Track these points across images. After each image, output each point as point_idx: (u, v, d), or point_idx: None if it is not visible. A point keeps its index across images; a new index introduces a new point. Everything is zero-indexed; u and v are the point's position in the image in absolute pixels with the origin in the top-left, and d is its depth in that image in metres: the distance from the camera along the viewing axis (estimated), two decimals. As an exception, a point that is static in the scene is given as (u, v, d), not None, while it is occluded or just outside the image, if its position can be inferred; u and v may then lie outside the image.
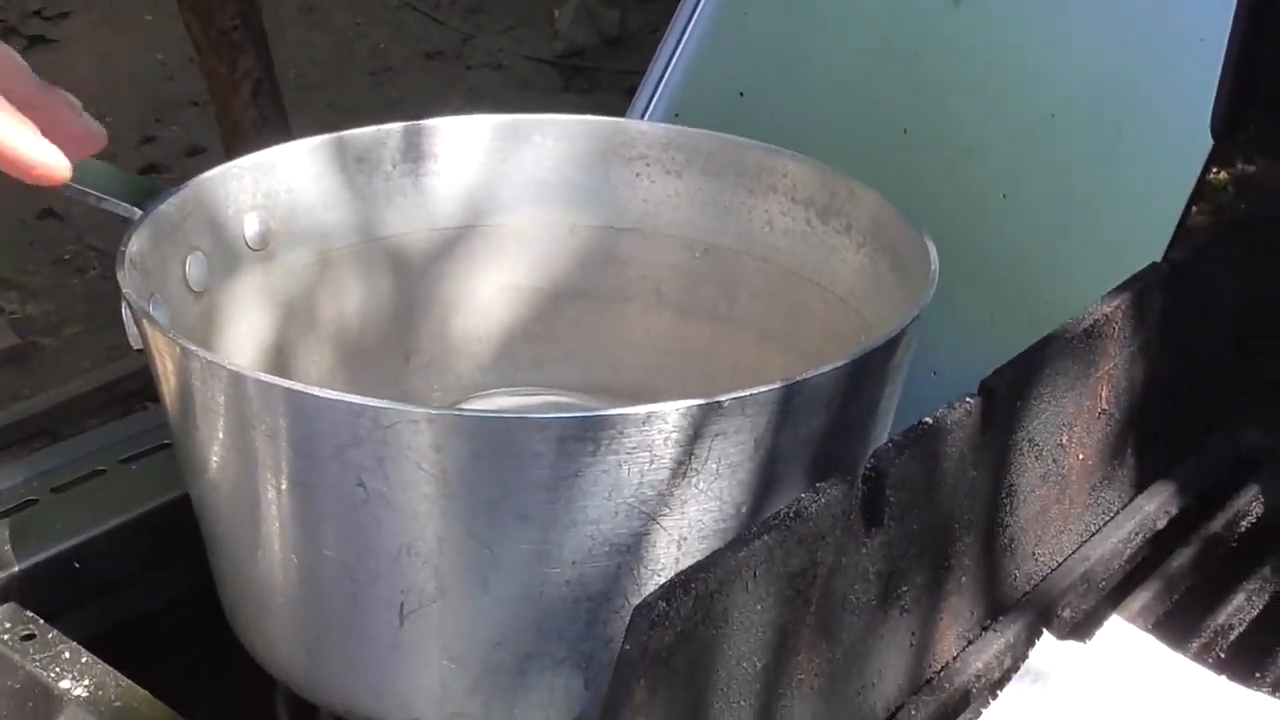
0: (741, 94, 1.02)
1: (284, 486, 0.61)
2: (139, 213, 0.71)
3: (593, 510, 0.58)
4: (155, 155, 3.05)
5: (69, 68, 3.38)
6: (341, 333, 0.84)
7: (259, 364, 0.78)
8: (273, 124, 2.20)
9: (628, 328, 0.87)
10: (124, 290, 0.65)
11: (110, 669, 0.68)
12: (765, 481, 0.60)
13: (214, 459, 0.64)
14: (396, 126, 0.84)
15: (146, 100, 3.22)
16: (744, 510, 0.60)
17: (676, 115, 1.02)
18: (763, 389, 0.59)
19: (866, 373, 0.63)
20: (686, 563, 0.58)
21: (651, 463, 0.57)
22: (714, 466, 0.58)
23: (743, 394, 0.58)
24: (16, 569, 0.72)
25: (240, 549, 0.66)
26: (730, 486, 0.59)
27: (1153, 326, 0.73)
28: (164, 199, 0.72)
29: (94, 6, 3.41)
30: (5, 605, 0.71)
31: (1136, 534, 0.74)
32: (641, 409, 0.58)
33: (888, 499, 0.58)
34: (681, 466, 0.58)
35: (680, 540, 0.60)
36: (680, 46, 1.03)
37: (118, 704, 0.66)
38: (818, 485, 0.55)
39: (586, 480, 0.57)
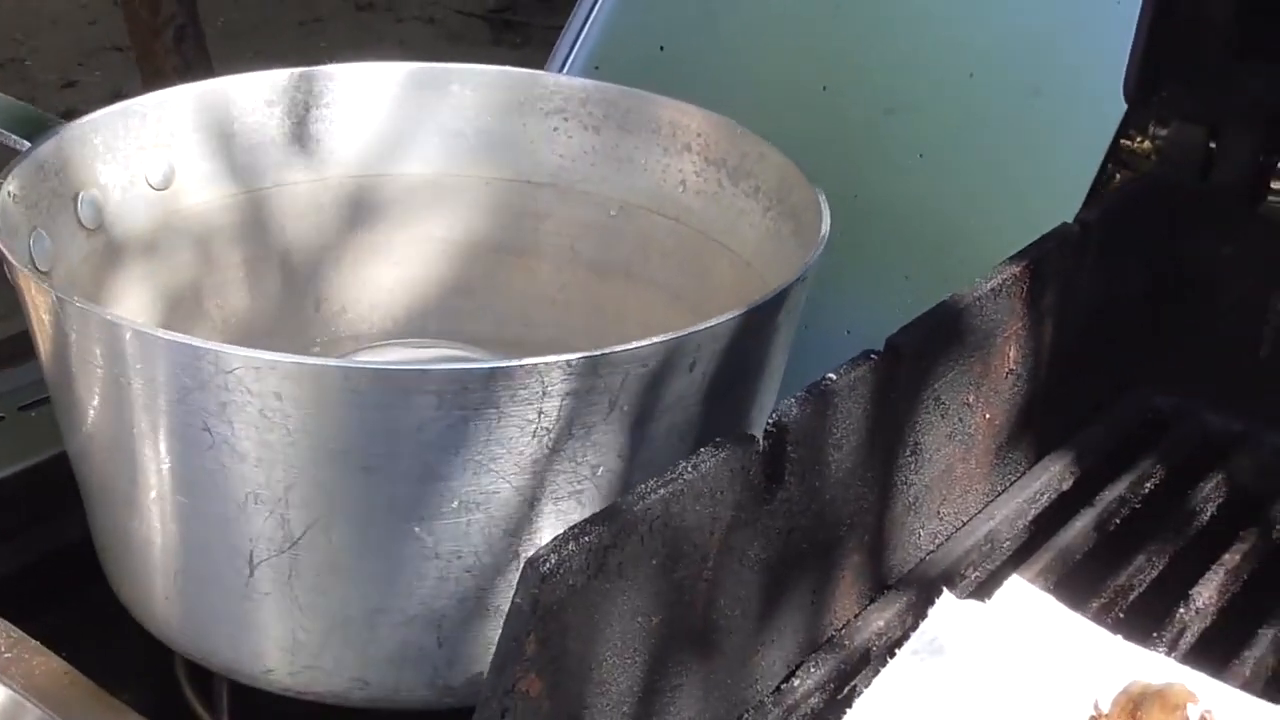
0: (662, 48, 1.01)
1: (140, 431, 0.61)
2: (28, 145, 0.70)
3: (439, 465, 0.58)
4: (76, 100, 2.99)
5: (-11, 10, 3.31)
6: (250, 278, 0.82)
7: (155, 305, 0.77)
8: (197, 71, 2.17)
9: (542, 283, 0.87)
10: None
11: (0, 620, 0.66)
12: (627, 443, 0.60)
13: (83, 405, 0.63)
14: (311, 70, 0.83)
15: (69, 44, 3.16)
16: (601, 472, 0.60)
17: (596, 68, 1.01)
18: (616, 349, 0.58)
19: (740, 336, 0.63)
20: (540, 523, 0.58)
21: (499, 420, 0.57)
22: (565, 426, 0.58)
23: (594, 354, 0.58)
24: (-92, 518, 0.71)
25: (106, 496, 0.65)
26: (584, 447, 0.59)
27: (1061, 287, 0.73)
28: (56, 133, 0.71)
29: (15, -51, 3.34)
30: (-104, 554, 0.70)
31: (1041, 495, 0.74)
32: (484, 364, 0.58)
33: (789, 455, 0.57)
34: (530, 425, 0.57)
35: (533, 500, 0.59)
36: (602, -1, 1.02)
37: (7, 655, 0.65)
38: (718, 440, 0.55)
39: (430, 434, 0.57)
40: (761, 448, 0.56)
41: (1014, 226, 0.88)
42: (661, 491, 0.52)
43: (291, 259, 0.83)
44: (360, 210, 0.85)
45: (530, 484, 0.59)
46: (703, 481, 0.54)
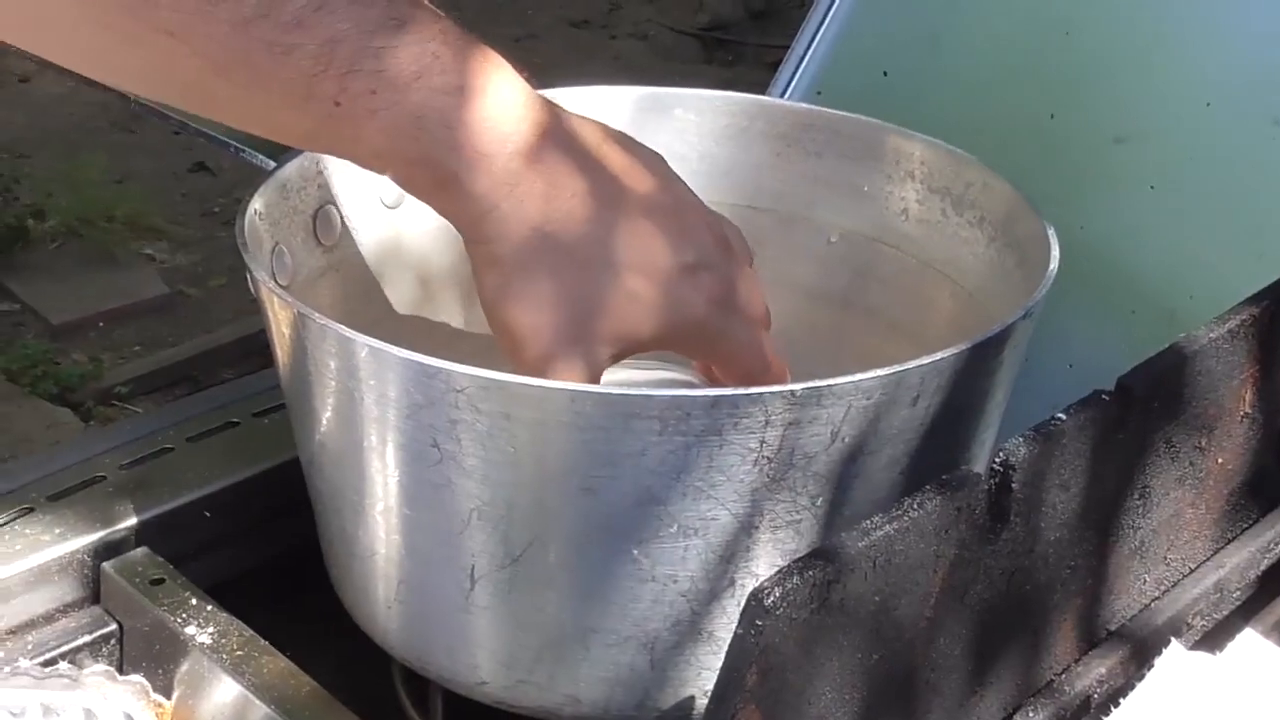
0: (885, 74, 1.00)
1: (370, 444, 0.62)
2: (274, 164, 0.73)
3: (659, 490, 0.58)
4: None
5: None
6: (472, 296, 0.84)
7: (386, 320, 0.79)
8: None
9: (760, 308, 0.86)
10: (240, 243, 0.66)
11: (234, 618, 0.69)
12: (846, 475, 0.59)
13: (316, 415, 0.65)
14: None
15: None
16: (820, 503, 0.60)
17: (819, 93, 1.01)
18: (840, 380, 0.58)
19: (964, 371, 0.62)
20: (757, 551, 0.58)
21: (721, 447, 0.57)
22: (787, 456, 0.58)
23: (818, 384, 0.57)
24: (149, 515, 0.74)
25: (334, 504, 0.67)
26: (805, 478, 0.59)
27: (1303, 330, 0.71)
28: (298, 153, 0.73)
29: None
30: (139, 549, 0.73)
31: (1276, 544, 0.71)
32: (708, 392, 0.58)
33: (1015, 495, 0.56)
34: (752, 453, 0.57)
35: (750, 528, 0.59)
36: (825, 23, 1.02)
37: (239, 653, 0.67)
38: (943, 477, 0.54)
39: (652, 459, 0.57)
40: (987, 487, 0.55)
41: (1247, 264, 0.85)
42: (886, 528, 0.52)
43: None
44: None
45: (748, 512, 0.59)
46: (927, 519, 0.53)
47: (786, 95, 1.02)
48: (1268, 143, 0.89)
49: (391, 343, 0.60)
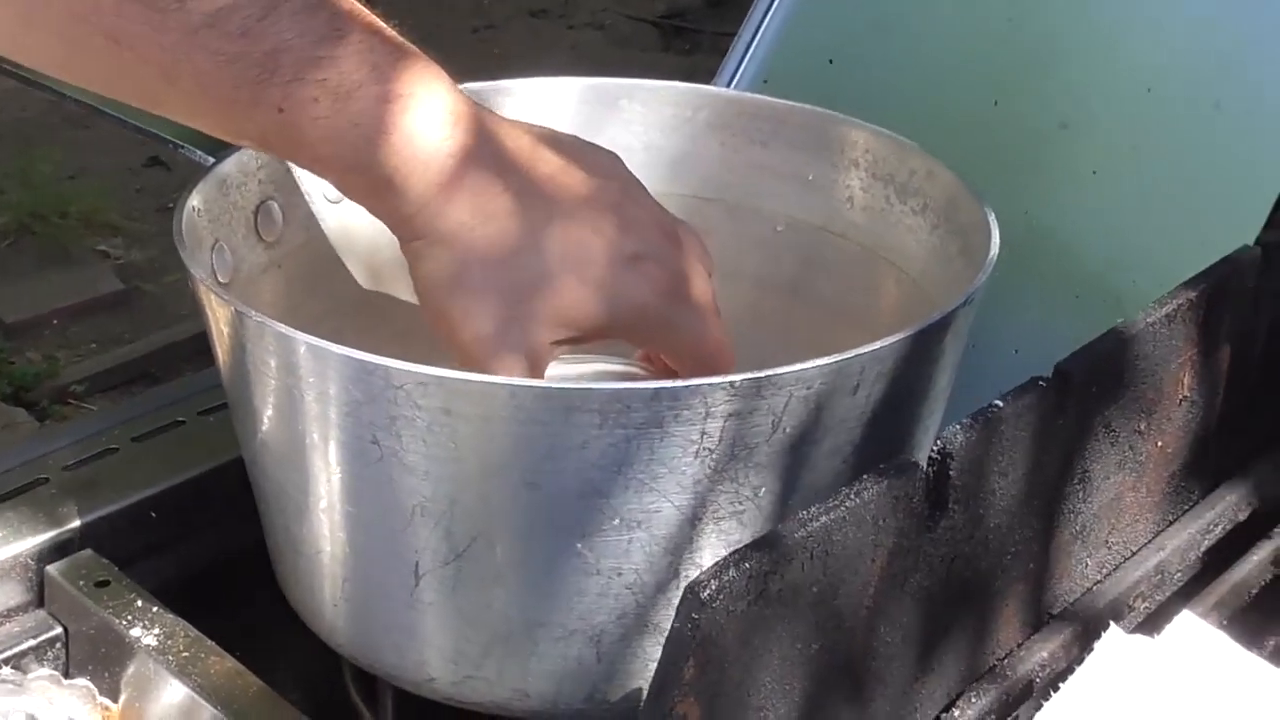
0: (831, 61, 1.00)
1: (312, 441, 0.62)
2: (212, 160, 0.72)
3: (601, 483, 0.58)
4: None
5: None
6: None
7: (328, 316, 0.78)
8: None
9: (706, 297, 0.87)
10: (177, 241, 0.66)
11: (180, 619, 0.69)
12: (789, 464, 0.59)
13: (258, 414, 0.65)
14: (482, 85, 0.84)
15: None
16: (763, 493, 0.60)
17: (765, 82, 1.01)
18: (780, 371, 0.58)
19: (906, 358, 0.62)
20: (701, 543, 0.58)
21: (662, 439, 0.57)
22: (728, 447, 0.58)
23: (757, 375, 0.58)
24: (94, 516, 0.74)
25: (278, 503, 0.67)
26: (747, 468, 0.59)
27: (1241, 312, 0.71)
28: (238, 149, 0.73)
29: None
30: (83, 551, 0.73)
31: (1215, 526, 0.72)
32: (648, 385, 0.58)
33: (953, 483, 0.57)
34: (693, 445, 0.57)
35: (693, 520, 0.59)
36: (770, 11, 1.02)
37: (185, 654, 0.67)
38: (881, 466, 0.54)
39: (593, 452, 0.57)
40: (925, 475, 0.56)
41: (1191, 247, 0.86)
42: (823, 518, 0.52)
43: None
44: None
45: (691, 503, 0.60)
46: (865, 508, 0.53)
47: (733, 84, 1.02)
48: (1209, 127, 0.90)
49: (336, 339, 0.60)
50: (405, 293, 0.80)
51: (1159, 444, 0.69)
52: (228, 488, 0.76)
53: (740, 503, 0.61)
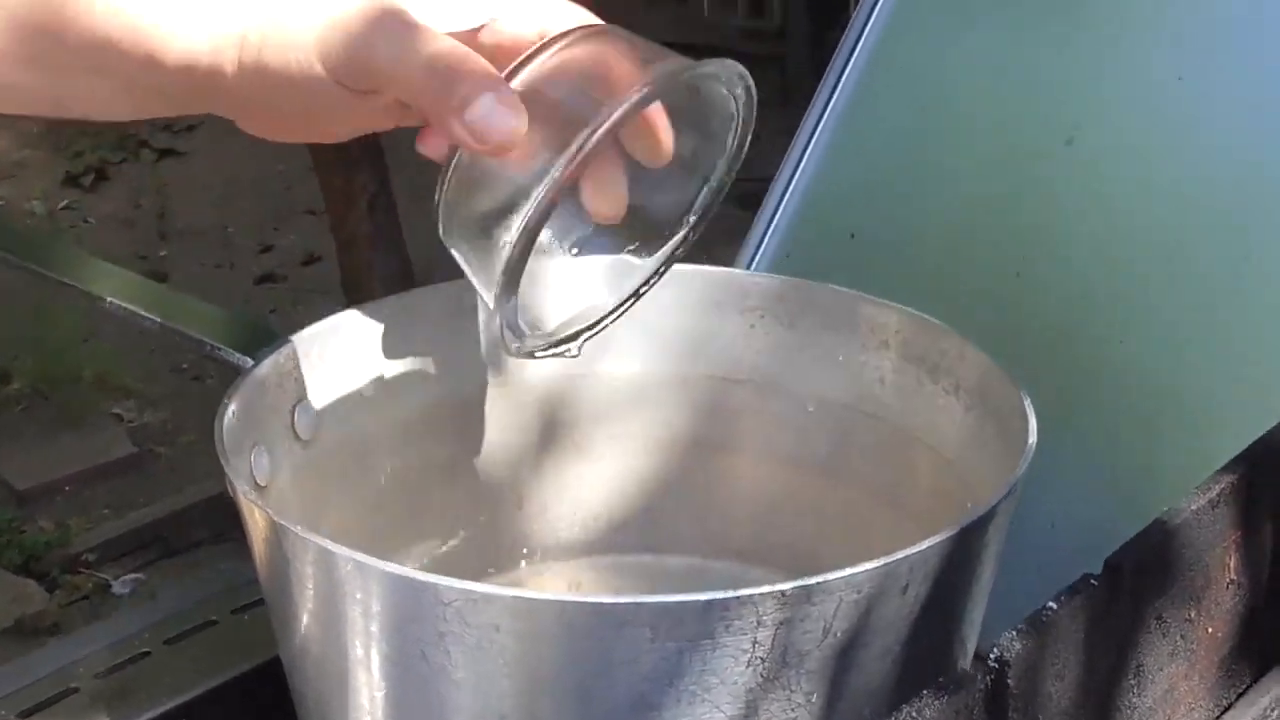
0: (853, 235, 1.01)
1: (356, 655, 0.62)
2: (250, 362, 0.73)
3: (653, 696, 0.57)
4: (272, 264, 3.11)
5: (196, 178, 3.48)
6: (453, 478, 0.84)
7: (367, 514, 0.78)
8: (387, 236, 2.24)
9: (739, 479, 0.86)
10: (218, 450, 0.66)
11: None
12: (840, 669, 0.59)
13: (297, 620, 0.65)
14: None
15: (266, 209, 3.30)
16: (815, 699, 0.59)
17: (788, 256, 1.02)
18: (829, 576, 0.58)
19: (952, 554, 0.61)
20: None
21: (714, 650, 0.57)
22: (780, 654, 0.57)
23: (807, 582, 0.57)
24: (129, 727, 0.73)
25: (318, 710, 0.66)
26: (798, 675, 0.58)
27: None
28: (274, 349, 0.73)
29: (220, 119, 3.51)
30: (117, 763, 0.72)
31: (1272, 710, 0.71)
32: (699, 597, 0.57)
33: (1011, 691, 0.56)
34: (745, 654, 0.57)
35: None
36: (791, 187, 1.03)
37: None
38: (940, 680, 0.54)
39: (645, 666, 0.57)
40: (983, 686, 0.55)
41: (1222, 413, 0.86)
42: (885, 739, 0.51)
43: (494, 459, 0.85)
44: (561, 410, 0.86)
45: (743, 713, 0.59)
46: (926, 724, 0.53)
47: (756, 258, 1.03)
48: (1240, 301, 0.90)
49: (375, 537, 0.60)
50: (439, 488, 0.80)
51: (1209, 630, 0.68)
52: (263, 691, 0.75)
53: (793, 709, 0.60)
